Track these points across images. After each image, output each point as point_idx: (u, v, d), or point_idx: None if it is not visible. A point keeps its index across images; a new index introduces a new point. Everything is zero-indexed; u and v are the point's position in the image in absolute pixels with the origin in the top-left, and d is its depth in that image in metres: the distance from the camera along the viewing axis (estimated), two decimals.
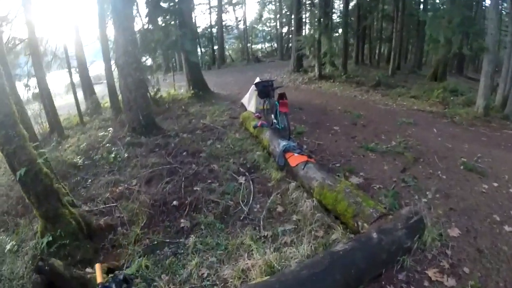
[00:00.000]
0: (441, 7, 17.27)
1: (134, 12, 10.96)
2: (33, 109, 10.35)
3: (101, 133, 8.58)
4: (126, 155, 7.02)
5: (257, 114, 8.41)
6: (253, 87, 10.08)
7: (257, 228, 4.39)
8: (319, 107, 10.80)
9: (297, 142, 6.84)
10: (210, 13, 32.35)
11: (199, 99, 12.19)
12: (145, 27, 11.47)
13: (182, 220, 4.65)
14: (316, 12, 15.76)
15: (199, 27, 32.50)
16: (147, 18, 11.43)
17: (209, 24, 32.88)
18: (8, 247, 4.49)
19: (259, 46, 41.42)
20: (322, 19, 15.22)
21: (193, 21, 26.59)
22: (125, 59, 7.66)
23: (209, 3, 32.13)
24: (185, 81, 13.50)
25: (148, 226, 4.60)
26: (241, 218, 4.65)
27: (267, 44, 41.24)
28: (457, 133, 8.32)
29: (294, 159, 5.48)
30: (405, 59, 25.38)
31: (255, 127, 7.38)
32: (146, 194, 5.27)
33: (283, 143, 5.92)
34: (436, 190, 4.93)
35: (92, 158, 7.21)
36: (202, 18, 38.23)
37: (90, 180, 6.29)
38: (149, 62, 12.43)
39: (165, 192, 5.26)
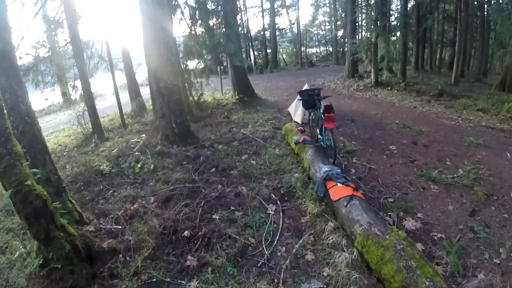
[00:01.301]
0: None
1: (179, 14, 10.33)
2: (78, 110, 10.12)
3: (134, 139, 7.94)
4: (152, 166, 6.25)
5: (300, 127, 7.21)
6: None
7: (276, 280, 3.32)
8: (374, 120, 9.31)
9: (343, 165, 5.66)
10: (263, 16, 31.41)
11: (244, 105, 11.28)
12: (188, 30, 10.75)
13: (189, 257, 3.69)
14: (373, 12, 14.06)
15: (252, 30, 31.87)
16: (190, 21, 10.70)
17: (262, 27, 31.93)
18: (17, 253, 4.03)
19: (313, 50, 39.63)
20: (378, 20, 13.52)
21: (239, 23, 25.91)
22: (157, 62, 6.91)
23: (261, 6, 31.15)
24: (231, 86, 12.65)
25: (152, 257, 3.73)
26: (259, 265, 3.57)
27: (321, 48, 39.34)
28: None
29: (336, 191, 4.29)
30: (468, 65, 22.46)
31: (296, 142, 6.23)
32: (159, 217, 4.39)
33: (325, 168, 4.74)
34: None
35: (120, 165, 6.55)
36: (255, 21, 37.31)
37: (111, 191, 5.57)
38: (192, 65, 11.68)
39: (179, 218, 4.30)
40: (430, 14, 18.20)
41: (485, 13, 18.40)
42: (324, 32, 37.37)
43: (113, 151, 7.37)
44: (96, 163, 6.55)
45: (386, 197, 4.86)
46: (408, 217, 4.26)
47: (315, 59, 34.26)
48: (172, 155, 6.66)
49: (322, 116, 5.90)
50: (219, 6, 10.76)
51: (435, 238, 3.85)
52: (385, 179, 5.48)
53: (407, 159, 6.40)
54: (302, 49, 33.64)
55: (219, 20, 11.22)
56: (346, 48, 33.86)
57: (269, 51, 30.92)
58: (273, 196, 4.93)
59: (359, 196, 4.23)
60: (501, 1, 15.96)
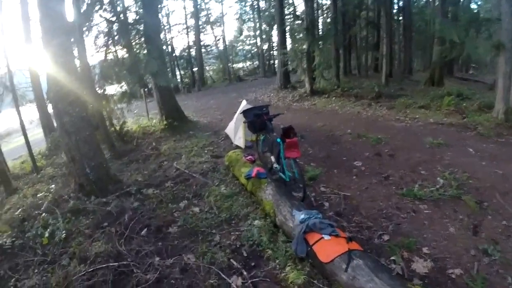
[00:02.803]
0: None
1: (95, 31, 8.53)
2: None
3: (42, 193, 5.96)
4: (64, 233, 4.34)
5: (248, 157, 5.67)
6: (238, 113, 7.67)
7: None
8: (324, 133, 8.31)
9: (312, 198, 4.42)
10: (187, 33, 29.93)
11: (174, 131, 9.56)
12: (103, 49, 8.93)
13: None
14: (302, 21, 13.47)
15: (176, 48, 30.29)
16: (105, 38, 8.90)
17: (187, 45, 30.44)
18: None
19: (240, 65, 38.93)
20: (309, 29, 12.94)
21: (163, 41, 24.34)
22: (56, 89, 5.10)
23: (186, 23, 29.73)
24: (157, 109, 10.84)
25: None
26: None
27: (248, 62, 38.88)
28: (494, 151, 6.51)
29: (326, 248, 3.02)
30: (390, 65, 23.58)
31: (248, 177, 4.78)
32: None
33: (301, 216, 3.41)
34: None
35: (25, 233, 4.58)
36: (180, 39, 35.96)
37: (12, 281, 3.63)
38: (112, 90, 9.77)
39: None
40: (354, 22, 18.49)
41: (406, 17, 19.58)
42: (249, 46, 37.02)
43: (16, 212, 5.38)
44: None
45: (379, 234, 3.78)
46: (415, 257, 3.34)
47: (242, 73, 33.52)
48: (89, 213, 4.82)
49: (279, 140, 4.61)
50: (139, 19, 9.09)
51: (454, 276, 3.10)
52: (367, 209, 4.40)
53: (380, 176, 5.46)
54: (229, 65, 32.76)
55: (140, 34, 9.54)
56: (272, 61, 34.29)
57: (195, 69, 29.47)
58: (234, 262, 3.44)
59: (357, 248, 2.98)
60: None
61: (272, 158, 5.08)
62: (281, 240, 3.62)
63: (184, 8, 29.41)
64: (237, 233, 3.98)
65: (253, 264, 3.43)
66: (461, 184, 4.84)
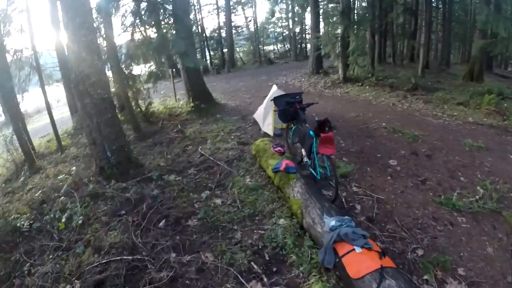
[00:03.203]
0: None
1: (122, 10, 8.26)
2: (5, 134, 7.83)
3: (63, 175, 5.85)
4: (81, 219, 4.23)
5: (277, 148, 5.15)
6: (268, 98, 7.28)
7: None
8: (357, 124, 7.78)
9: (343, 198, 4.04)
10: (218, 14, 29.13)
11: (201, 114, 9.27)
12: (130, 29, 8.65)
13: None
14: (338, 4, 12.67)
15: (207, 28, 29.70)
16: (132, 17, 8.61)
17: (217, 25, 29.73)
18: None
19: (271, 48, 37.80)
20: (346, 12, 12.14)
21: (193, 21, 23.84)
22: (79, 70, 4.89)
23: (216, 3, 28.92)
24: (184, 91, 10.55)
25: None
26: None
27: (279, 45, 37.69)
28: None
29: (356, 263, 2.69)
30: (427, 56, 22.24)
31: (275, 170, 4.40)
32: None
33: (331, 222, 3.07)
34: None
35: (43, 217, 4.54)
36: (210, 19, 35.13)
37: (29, 264, 3.61)
38: (137, 70, 9.55)
39: None
40: (391, 7, 17.39)
41: (447, 5, 18.12)
42: (281, 28, 35.73)
43: (36, 194, 5.32)
44: (13, 216, 4.55)
45: (413, 248, 3.39)
46: (449, 278, 3.00)
47: (273, 56, 32.63)
48: (108, 199, 4.67)
49: (312, 133, 4.21)
50: None
51: None
52: (402, 217, 3.98)
53: (416, 178, 4.99)
54: (259, 47, 31.97)
55: (168, 13, 9.19)
56: (304, 44, 33.19)
57: (225, 50, 28.84)
58: (255, 266, 3.18)
59: (390, 265, 2.64)
60: None
61: (303, 151, 4.71)
62: (307, 245, 3.31)
63: None
64: (260, 231, 3.70)
65: (274, 269, 3.15)
66: (502, 197, 4.38)
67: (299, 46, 31.26)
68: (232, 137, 7.12)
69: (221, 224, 3.88)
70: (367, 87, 12.57)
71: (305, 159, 4.62)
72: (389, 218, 3.95)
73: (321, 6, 16.74)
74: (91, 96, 4.94)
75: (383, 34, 18.68)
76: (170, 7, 8.97)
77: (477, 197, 4.40)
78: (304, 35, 32.57)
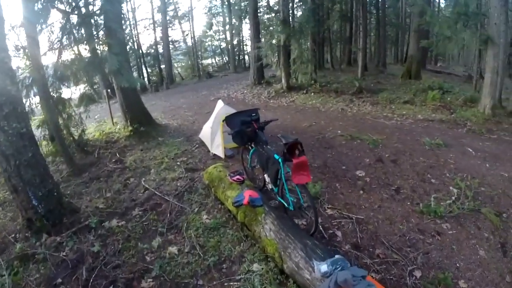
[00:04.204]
0: None
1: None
2: None
3: None
4: None
5: (235, 177, 4.22)
6: (215, 116, 6.58)
7: None
8: (312, 134, 7.39)
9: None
10: (154, 29, 27.87)
11: (141, 138, 8.18)
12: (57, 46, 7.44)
13: None
14: (278, 13, 12.49)
15: (143, 44, 28.26)
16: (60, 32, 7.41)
17: (154, 41, 28.39)
18: None
19: (209, 61, 37.16)
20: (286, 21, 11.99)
21: (128, 38, 22.55)
22: None
23: (152, 18, 27.67)
24: (121, 114, 9.42)
25: None
26: None
27: (217, 58, 37.23)
28: (492, 150, 6.35)
29: None
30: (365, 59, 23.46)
31: (237, 205, 3.61)
32: None
33: (323, 267, 2.45)
34: None
35: None
36: (146, 35, 33.90)
37: None
38: (68, 93, 8.25)
39: None
40: (328, 14, 17.85)
41: (380, 11, 19.16)
42: (218, 41, 35.43)
43: None
44: None
45: (409, 270, 3.09)
46: None
47: (212, 70, 32.06)
48: (40, 262, 3.59)
49: (277, 158, 3.59)
50: (99, 9, 7.62)
51: None
52: (388, 236, 3.61)
53: (389, 188, 4.70)
54: (198, 61, 31.23)
55: (99, 27, 8.07)
56: (242, 56, 33.12)
57: (163, 66, 27.63)
58: None
59: None
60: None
61: (266, 177, 4.06)
62: None
63: (151, 2, 27.17)
64: (232, 283, 2.98)
65: None
66: (476, 193, 4.45)
67: (237, 58, 31.07)
68: (178, 163, 6.24)
69: (183, 281, 3.08)
70: (312, 94, 12.52)
71: (270, 186, 4.00)
72: (375, 240, 3.54)
73: (260, 16, 16.58)
74: (5, 131, 3.85)
75: (321, 41, 19.08)
76: (102, 20, 7.89)
77: (453, 198, 4.34)
78: (242, 47, 32.53)
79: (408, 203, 4.29)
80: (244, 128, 4.15)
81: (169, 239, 3.76)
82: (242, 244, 3.47)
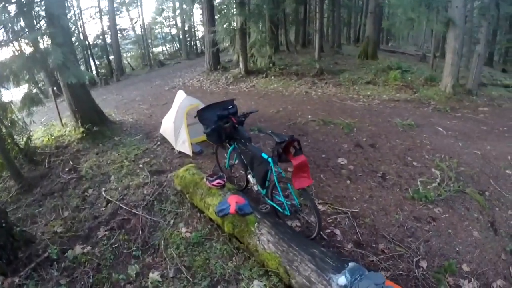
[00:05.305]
0: None
1: None
2: None
3: None
4: None
5: (215, 181, 3.59)
6: (178, 109, 5.92)
7: None
8: (282, 121, 7.01)
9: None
10: (101, 18, 25.39)
11: (95, 140, 7.16)
12: None
13: None
14: None
15: (89, 35, 25.83)
16: None
17: (101, 30, 25.97)
18: None
19: (160, 49, 35.08)
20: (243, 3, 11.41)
21: (73, 28, 20.61)
22: None
23: (98, 6, 25.06)
24: (70, 113, 8.34)
25: None
26: None
27: (168, 46, 35.33)
28: (460, 128, 6.67)
29: None
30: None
31: (222, 214, 3.11)
32: None
33: (340, 279, 2.16)
34: None
35: None
36: (92, 25, 31.03)
37: None
38: (9, 96, 7.05)
39: None
40: None
41: None
42: (168, 28, 33.53)
43: None
44: None
45: (415, 262, 3.03)
46: (460, 280, 2.88)
47: (163, 58, 30.46)
48: None
49: (266, 157, 3.16)
50: None
51: None
52: (386, 227, 3.52)
53: (375, 175, 4.56)
54: (148, 50, 29.47)
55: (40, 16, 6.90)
56: (193, 42, 31.83)
57: (112, 57, 25.63)
58: None
59: None
60: None
61: (250, 178, 3.62)
62: None
63: None
64: None
65: None
66: (457, 174, 4.55)
67: (188, 44, 29.83)
68: (141, 165, 5.52)
69: None
70: (272, 77, 12.14)
71: (256, 188, 3.57)
72: (375, 235, 3.39)
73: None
74: None
75: (276, 23, 18.70)
76: (43, 10, 6.74)
77: (438, 180, 4.39)
78: (194, 32, 31.21)
79: (397, 189, 4.20)
80: (222, 124, 3.61)
81: (147, 262, 3.19)
82: (234, 258, 3.04)
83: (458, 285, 2.81)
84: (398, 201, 3.93)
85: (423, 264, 3.00)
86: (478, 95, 9.26)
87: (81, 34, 23.63)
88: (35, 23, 6.83)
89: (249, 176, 3.63)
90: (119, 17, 28.41)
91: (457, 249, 3.24)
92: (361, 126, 6.34)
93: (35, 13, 6.86)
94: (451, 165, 4.76)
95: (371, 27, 15.02)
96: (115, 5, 26.03)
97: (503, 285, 2.85)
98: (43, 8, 6.80)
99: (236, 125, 3.66)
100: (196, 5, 24.48)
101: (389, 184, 4.30)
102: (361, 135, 5.86)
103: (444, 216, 3.70)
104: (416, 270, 2.92)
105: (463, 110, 7.98)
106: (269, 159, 3.09)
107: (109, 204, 4.38)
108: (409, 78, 10.51)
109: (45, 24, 6.93)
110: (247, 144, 3.54)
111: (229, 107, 3.82)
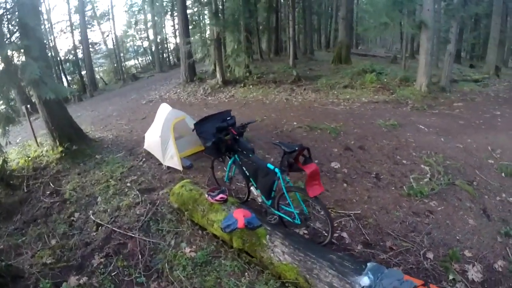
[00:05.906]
0: None
1: None
2: None
3: None
4: None
5: (218, 196, 3.47)
6: (164, 123, 5.73)
7: None
8: (269, 129, 6.98)
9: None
10: (72, 32, 24.52)
11: (75, 159, 6.76)
12: None
13: None
14: (209, 5, 11.80)
15: (60, 50, 25.00)
16: None
17: (72, 45, 24.98)
18: None
19: (132, 62, 34.56)
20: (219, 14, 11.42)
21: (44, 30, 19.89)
22: None
23: (70, 19, 24.34)
24: (46, 132, 7.92)
25: None
26: None
27: (140, 59, 34.79)
28: (440, 124, 6.93)
29: None
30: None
31: (230, 230, 3.01)
32: None
33: (363, 280, 2.19)
34: None
35: None
36: (63, 39, 30.20)
37: None
38: None
39: None
40: (255, 5, 17.61)
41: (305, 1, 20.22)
42: (140, 41, 33.10)
43: None
44: None
45: (422, 254, 3.16)
46: (465, 265, 3.03)
47: (136, 71, 29.92)
48: None
49: (273, 168, 3.12)
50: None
51: (500, 269, 3.01)
52: (390, 225, 3.63)
53: (369, 176, 4.67)
54: (121, 64, 28.86)
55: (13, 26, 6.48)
56: (166, 54, 31.48)
57: (84, 72, 24.80)
58: None
59: None
60: None
61: (253, 190, 3.52)
62: None
63: (67, 2, 23.91)
64: None
65: None
66: (445, 168, 4.77)
67: (161, 56, 29.50)
68: (129, 184, 5.24)
69: None
70: (251, 86, 12.14)
71: (260, 199, 3.48)
72: (381, 233, 3.48)
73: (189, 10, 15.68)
74: None
75: (251, 32, 18.87)
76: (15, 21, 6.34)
77: (428, 175, 4.59)
78: (166, 44, 30.93)
79: (393, 188, 4.34)
80: (222, 136, 3.50)
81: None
82: (247, 274, 2.92)
83: (464, 270, 2.95)
84: (396, 199, 4.07)
85: (430, 255, 3.12)
86: (451, 91, 9.74)
87: (52, 49, 22.87)
88: (7, 35, 6.47)
89: (252, 188, 3.54)
90: (91, 30, 27.80)
91: (457, 237, 3.41)
92: (346, 129, 6.46)
93: (7, 23, 6.52)
94: (438, 160, 4.99)
95: (343, 32, 15.40)
96: (86, 18, 25.36)
97: (503, 264, 3.04)
98: (16, 18, 6.43)
99: (237, 137, 3.57)
100: (168, 17, 24.25)
101: (384, 183, 4.42)
102: (348, 138, 5.97)
103: (440, 208, 3.87)
104: (424, 262, 3.04)
105: (440, 107, 8.32)
106: (276, 170, 3.04)
107: (100, 228, 4.10)
108: (385, 80, 10.84)
109: (19, 37, 6.56)
110: (250, 155, 3.46)
111: (227, 118, 3.71)
